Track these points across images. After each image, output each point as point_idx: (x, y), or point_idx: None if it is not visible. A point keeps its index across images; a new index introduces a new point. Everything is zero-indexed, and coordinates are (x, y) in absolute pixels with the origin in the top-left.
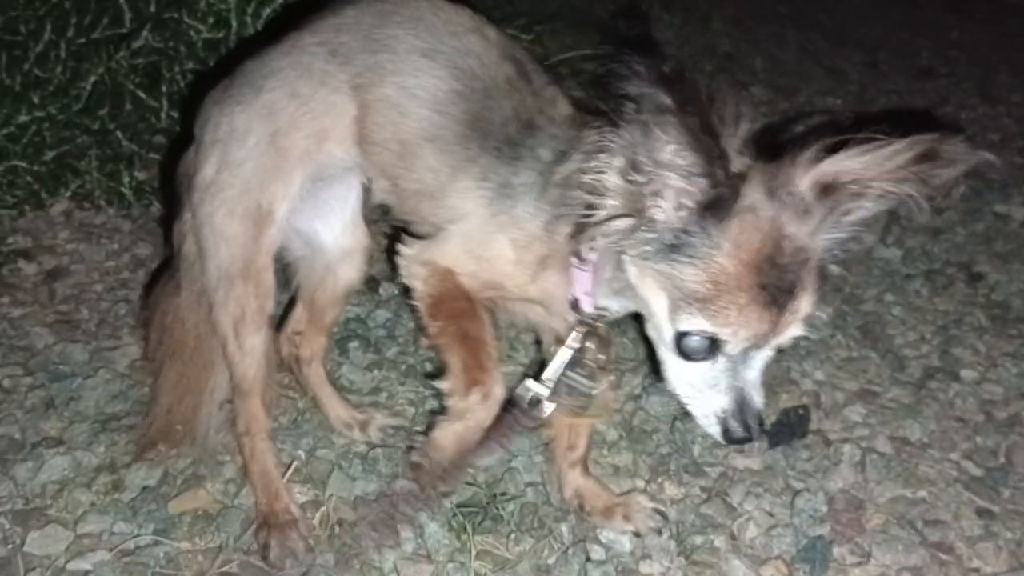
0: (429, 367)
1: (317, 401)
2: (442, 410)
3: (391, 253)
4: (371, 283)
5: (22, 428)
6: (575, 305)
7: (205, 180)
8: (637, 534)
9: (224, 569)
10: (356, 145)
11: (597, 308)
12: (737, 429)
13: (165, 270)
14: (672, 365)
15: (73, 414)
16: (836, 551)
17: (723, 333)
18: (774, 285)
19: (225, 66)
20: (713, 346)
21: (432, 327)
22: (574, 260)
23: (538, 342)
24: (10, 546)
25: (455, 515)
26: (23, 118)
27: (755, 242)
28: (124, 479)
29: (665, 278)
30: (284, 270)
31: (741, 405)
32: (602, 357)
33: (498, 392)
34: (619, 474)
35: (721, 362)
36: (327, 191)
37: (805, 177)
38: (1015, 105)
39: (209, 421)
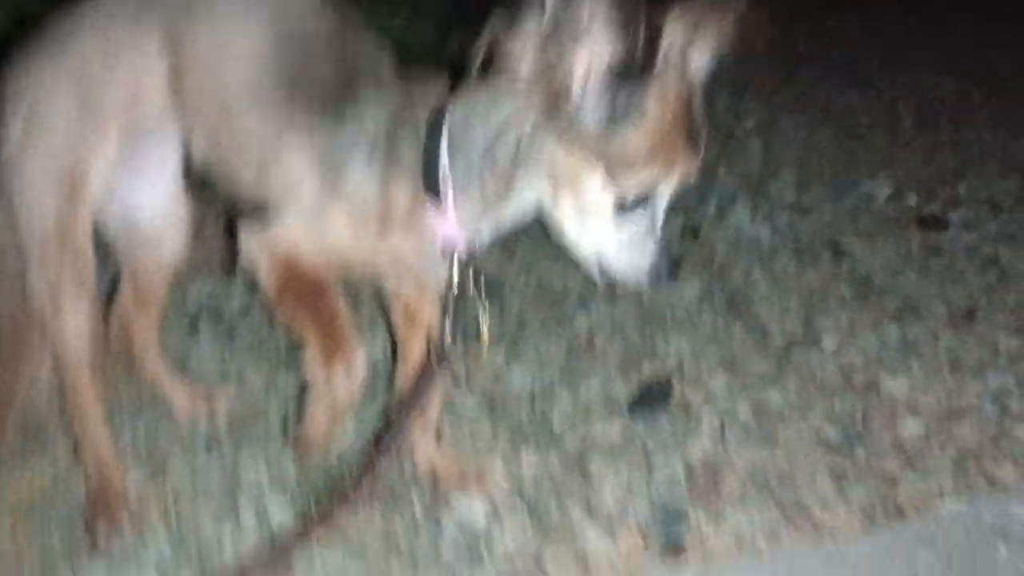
0: (284, 347)
1: (155, 385)
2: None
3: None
4: (227, 263)
5: None
6: (447, 247)
7: (12, 145)
8: (491, 503)
9: (47, 555)
10: (172, 105)
11: (471, 242)
12: (664, 270)
13: None
14: (600, 232)
15: None
16: (692, 515)
17: (663, 183)
18: (693, 128)
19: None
20: (645, 200)
21: (282, 311)
22: (430, 208)
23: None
24: None
25: (298, 493)
26: None
27: (677, 94)
28: None
29: (602, 148)
30: (105, 246)
31: (662, 249)
32: (481, 292)
33: (360, 364)
34: (478, 446)
35: (647, 214)
36: (145, 158)
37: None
38: (884, 90)
39: (35, 405)
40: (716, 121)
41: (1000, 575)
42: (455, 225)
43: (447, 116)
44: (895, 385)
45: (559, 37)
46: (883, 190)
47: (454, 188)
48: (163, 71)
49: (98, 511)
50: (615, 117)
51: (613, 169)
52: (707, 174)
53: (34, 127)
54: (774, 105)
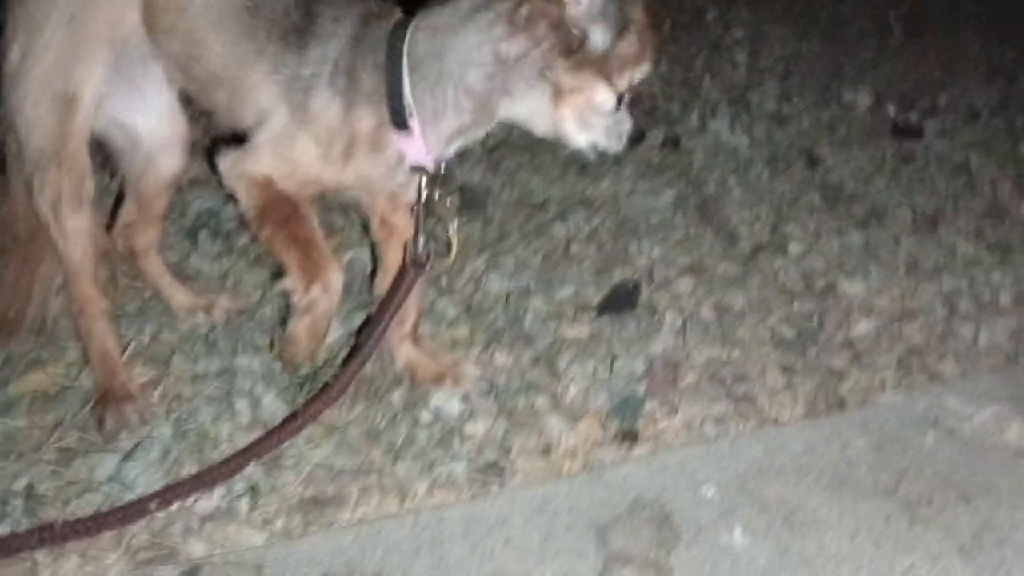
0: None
1: (157, 291)
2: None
3: (211, 163)
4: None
5: None
6: (418, 168)
7: (12, 67)
8: (465, 398)
9: (60, 444)
10: (149, 34)
11: (438, 159)
12: (637, 132)
13: None
14: (600, 126)
15: None
16: (648, 405)
17: (647, 69)
18: (658, 19)
19: None
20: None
21: (262, 234)
22: (395, 134)
23: (365, 227)
24: None
25: (289, 387)
26: None
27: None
28: None
29: (603, 63)
30: (107, 162)
31: (634, 118)
32: (447, 200)
33: (336, 282)
34: (456, 347)
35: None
36: (140, 78)
37: None
38: (875, 5)
39: (46, 307)
40: (704, 32)
41: (926, 460)
42: (423, 149)
43: (405, 42)
44: (852, 288)
45: None
46: (863, 100)
47: (421, 116)
48: (136, 4)
49: (106, 405)
50: (612, 32)
51: (612, 76)
52: (691, 85)
53: (31, 49)
54: (763, 16)
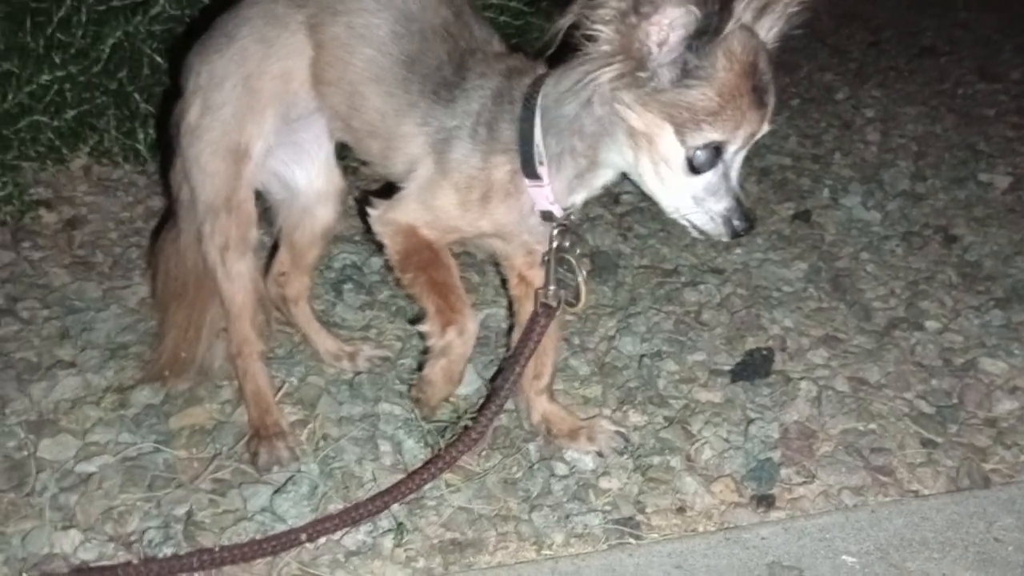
0: (417, 308)
1: (306, 337)
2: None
3: (362, 213)
4: (368, 233)
5: (38, 353)
6: (548, 216)
7: (190, 125)
8: (599, 454)
9: (217, 475)
10: (315, 89)
11: (565, 209)
12: (741, 223)
13: (169, 218)
14: (676, 186)
15: (86, 342)
16: (783, 472)
17: (731, 138)
18: (760, 86)
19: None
20: (716, 154)
21: (404, 279)
22: (526, 182)
23: (501, 284)
24: (25, 452)
25: (429, 432)
26: (45, 77)
27: (743, 52)
28: (130, 398)
29: (671, 107)
30: (266, 214)
31: (738, 202)
32: (576, 250)
33: (471, 327)
34: (588, 404)
35: (720, 168)
36: (302, 134)
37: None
38: (1013, 83)
39: (210, 349)
40: (833, 110)
41: None
42: (551, 196)
43: (540, 95)
44: (994, 366)
45: (640, 6)
46: (1001, 180)
47: (548, 163)
48: (307, 59)
49: (259, 440)
50: (686, 74)
51: (682, 126)
52: (822, 161)
53: (208, 111)
54: (896, 95)
